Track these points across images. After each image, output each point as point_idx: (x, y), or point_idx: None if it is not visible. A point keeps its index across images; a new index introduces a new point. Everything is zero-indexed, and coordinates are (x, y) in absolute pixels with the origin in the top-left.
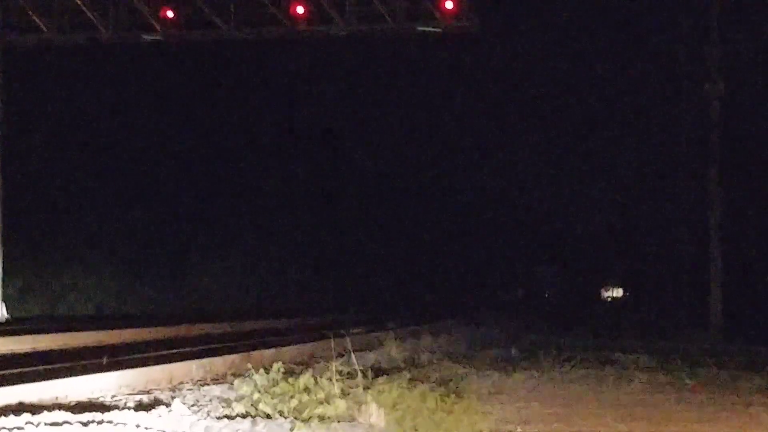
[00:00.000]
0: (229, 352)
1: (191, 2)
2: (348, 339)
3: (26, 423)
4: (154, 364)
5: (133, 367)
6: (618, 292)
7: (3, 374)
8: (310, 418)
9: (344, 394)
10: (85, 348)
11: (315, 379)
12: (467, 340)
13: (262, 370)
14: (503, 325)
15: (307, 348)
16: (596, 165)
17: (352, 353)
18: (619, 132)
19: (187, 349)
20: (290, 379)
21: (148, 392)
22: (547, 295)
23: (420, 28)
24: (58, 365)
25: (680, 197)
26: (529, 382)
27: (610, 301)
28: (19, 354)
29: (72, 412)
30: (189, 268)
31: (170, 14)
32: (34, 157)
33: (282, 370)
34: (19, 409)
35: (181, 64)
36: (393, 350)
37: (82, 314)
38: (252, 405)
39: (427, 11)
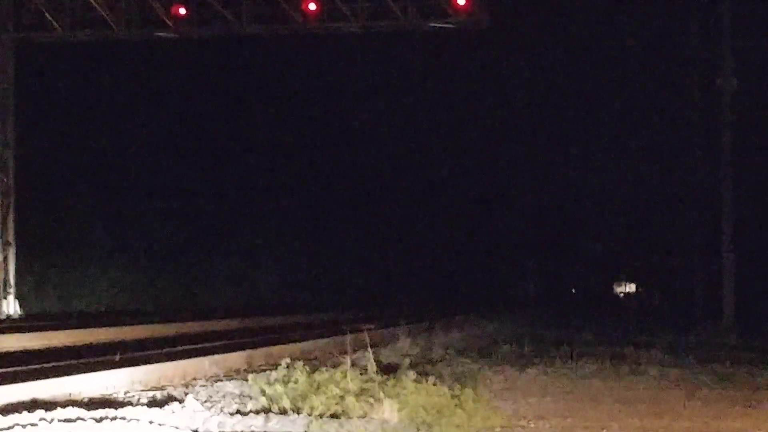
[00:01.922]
0: (242, 348)
1: None
2: (364, 335)
3: (40, 419)
4: (167, 361)
5: (146, 363)
6: (631, 288)
7: (17, 371)
8: (323, 414)
9: (358, 390)
10: (98, 344)
11: (328, 375)
12: (479, 336)
13: (275, 366)
14: (515, 320)
15: (320, 344)
16: (608, 161)
17: (370, 348)
18: (631, 127)
19: (200, 345)
20: (303, 375)
21: (161, 388)
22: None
23: (432, 25)
24: (71, 362)
25: (692, 192)
26: (541, 377)
27: (622, 297)
28: (33, 351)
29: (85, 409)
30: (202, 265)
31: (182, 11)
32: (48, 154)
33: (295, 365)
34: (32, 405)
35: (193, 60)
36: (406, 346)
37: (95, 311)
38: (266, 401)
39: (439, 7)
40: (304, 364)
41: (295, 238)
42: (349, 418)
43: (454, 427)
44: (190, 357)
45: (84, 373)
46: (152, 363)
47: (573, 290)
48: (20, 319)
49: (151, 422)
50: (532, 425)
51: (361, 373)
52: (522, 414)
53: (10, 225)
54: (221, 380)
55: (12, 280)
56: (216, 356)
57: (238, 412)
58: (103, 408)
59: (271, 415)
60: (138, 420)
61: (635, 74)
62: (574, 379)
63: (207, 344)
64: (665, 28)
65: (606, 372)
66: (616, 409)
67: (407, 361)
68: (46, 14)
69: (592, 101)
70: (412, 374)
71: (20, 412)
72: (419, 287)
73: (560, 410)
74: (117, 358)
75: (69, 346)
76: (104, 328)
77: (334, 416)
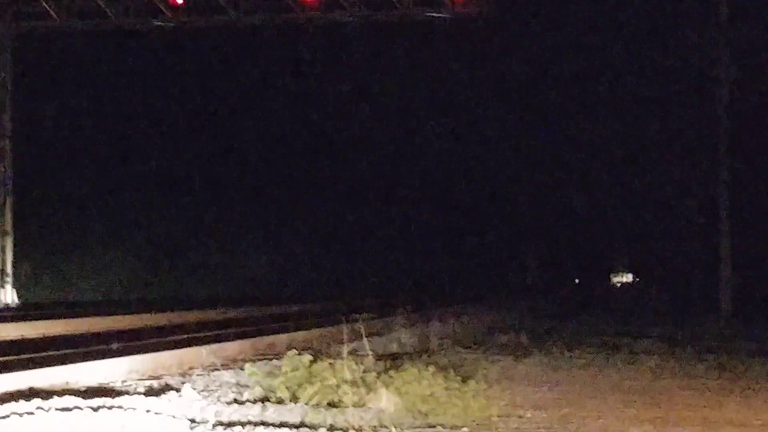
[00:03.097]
0: (239, 338)
1: None
2: (360, 324)
3: (37, 408)
4: (164, 350)
5: (143, 352)
6: (628, 278)
7: (14, 360)
8: (320, 403)
9: (355, 379)
10: (96, 333)
11: (325, 364)
12: (477, 326)
13: (272, 356)
14: (513, 310)
15: (317, 333)
16: (605, 150)
17: (366, 338)
18: (629, 117)
19: (197, 335)
20: (300, 364)
21: (158, 378)
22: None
23: (429, 14)
24: (68, 351)
25: (690, 182)
26: (538, 367)
27: (620, 287)
28: (30, 339)
29: (82, 398)
30: (199, 255)
31: (180, 0)
32: (46, 144)
33: (292, 355)
34: (29, 394)
35: (190, 50)
36: (403, 336)
37: (93, 299)
38: (262, 390)
39: None
40: (300, 354)
41: (293, 229)
42: (346, 407)
43: (450, 417)
44: (187, 346)
45: (81, 362)
46: (149, 352)
47: (576, 280)
48: (17, 308)
49: (148, 411)
50: (529, 415)
51: (358, 363)
52: (519, 404)
53: (8, 214)
54: (218, 369)
55: (9, 270)
56: (213, 345)
57: (234, 401)
58: (100, 397)
59: (267, 404)
60: (135, 409)
61: (632, 63)
62: (571, 369)
63: (204, 333)
64: (663, 18)
65: (603, 362)
66: (613, 399)
67: (405, 350)
68: (44, 3)
69: (591, 91)
70: (408, 364)
71: (17, 401)
72: (416, 277)
73: (557, 400)
74: (114, 347)
75: (66, 335)
76: (101, 317)
77: (331, 405)
